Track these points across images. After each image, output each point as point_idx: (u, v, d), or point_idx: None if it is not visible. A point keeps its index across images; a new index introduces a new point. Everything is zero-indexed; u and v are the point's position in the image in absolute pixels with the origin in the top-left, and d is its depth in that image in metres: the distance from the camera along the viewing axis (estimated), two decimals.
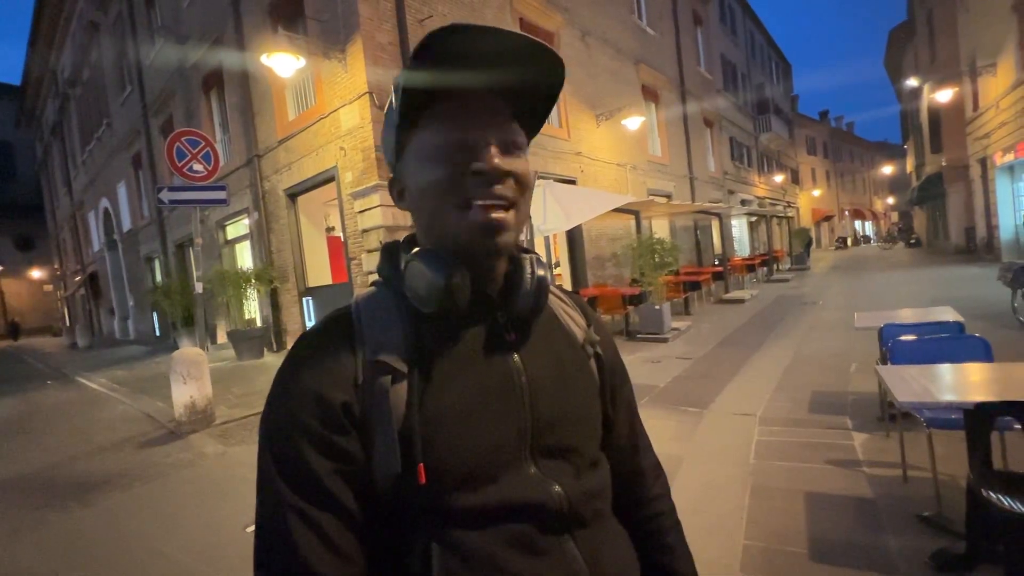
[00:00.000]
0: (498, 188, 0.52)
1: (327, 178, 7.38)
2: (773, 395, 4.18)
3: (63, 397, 7.65)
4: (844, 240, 35.46)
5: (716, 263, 14.52)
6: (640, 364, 5.65)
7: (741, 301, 10.17)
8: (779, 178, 26.55)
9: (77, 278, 21.15)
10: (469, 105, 0.53)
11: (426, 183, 0.53)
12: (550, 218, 6.24)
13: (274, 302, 8.74)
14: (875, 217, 49.23)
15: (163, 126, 11.66)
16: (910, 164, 26.16)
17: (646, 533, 0.68)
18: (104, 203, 16.33)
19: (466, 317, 0.55)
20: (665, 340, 6.82)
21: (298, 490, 0.48)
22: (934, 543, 1.97)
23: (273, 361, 8.01)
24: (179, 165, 4.87)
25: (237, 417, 4.86)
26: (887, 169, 41.00)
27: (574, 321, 0.67)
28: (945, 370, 2.00)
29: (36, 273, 32.11)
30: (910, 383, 1.92)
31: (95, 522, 3.08)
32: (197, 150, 5.00)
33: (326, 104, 7.12)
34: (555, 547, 0.53)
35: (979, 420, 1.53)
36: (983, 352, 2.35)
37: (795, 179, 32.31)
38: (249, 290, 8.53)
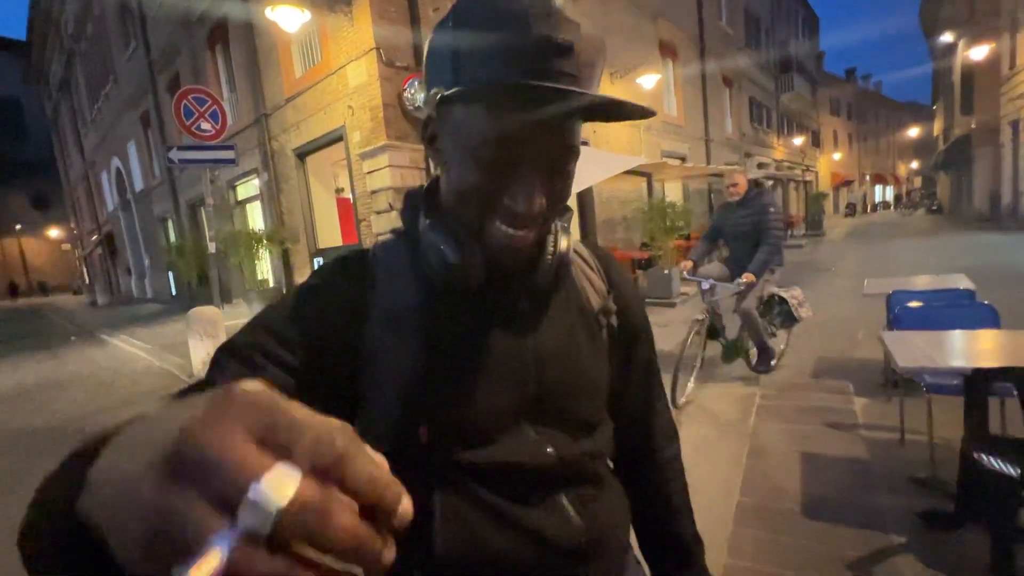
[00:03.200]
0: (529, 223, 0.50)
1: (335, 138, 7.30)
2: (778, 359, 4.21)
3: (87, 353, 7.94)
4: (853, 207, 33.33)
5: None
6: None
7: None
8: (799, 140, 25.70)
9: (94, 237, 21.50)
10: (543, 123, 0.47)
11: (461, 171, 0.50)
12: None
13: (285, 263, 8.85)
14: (898, 182, 47.79)
15: (169, 84, 11.50)
16: (938, 127, 25.14)
17: (654, 494, 0.70)
18: (116, 163, 16.37)
19: (481, 284, 0.54)
20: (673, 304, 6.84)
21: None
22: (925, 503, 2.03)
23: None
24: (187, 124, 4.86)
25: None
26: (913, 132, 39.40)
27: (592, 286, 0.65)
28: (949, 336, 2.01)
29: (54, 232, 32.75)
30: (912, 349, 1.94)
31: None
32: (204, 108, 4.97)
33: (332, 61, 6.96)
34: (548, 501, 0.55)
35: (977, 385, 1.55)
36: (991, 319, 2.34)
37: (815, 141, 31.25)
38: (261, 251, 8.63)
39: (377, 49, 6.25)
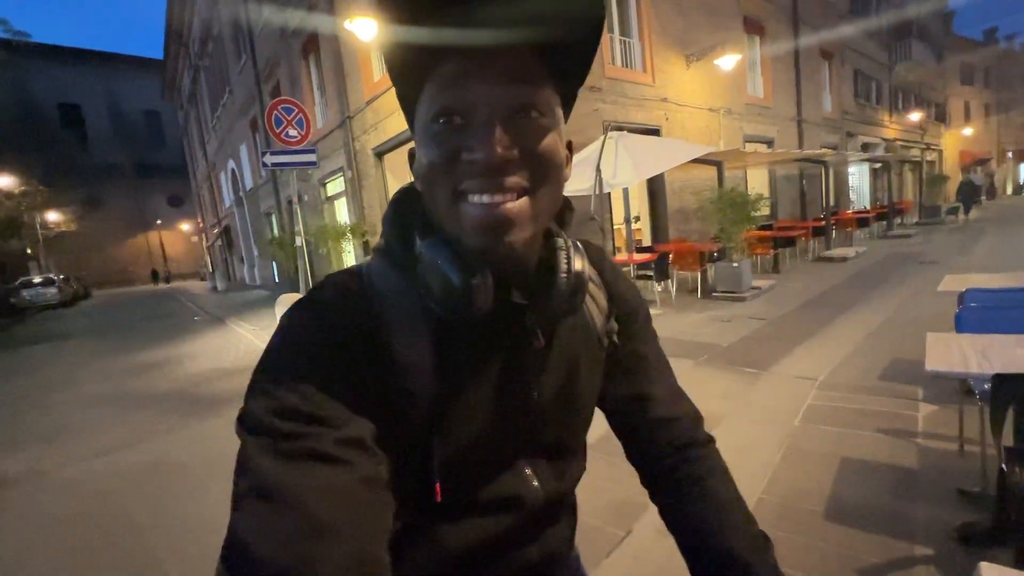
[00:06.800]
0: (501, 179, 0.42)
1: (408, 137, 7.74)
2: (845, 360, 3.94)
3: (206, 331, 9.23)
4: (978, 190, 26.94)
5: (822, 216, 13.15)
6: (707, 323, 5.51)
7: (843, 259, 9.24)
8: (916, 116, 22.69)
9: (215, 230, 24.55)
10: (477, 61, 0.41)
11: (422, 163, 0.45)
12: (620, 172, 6.09)
13: (366, 254, 9.59)
14: None
15: (272, 91, 12.80)
16: None
17: (681, 481, 0.58)
18: (231, 164, 18.52)
19: (491, 316, 0.46)
20: (742, 299, 6.52)
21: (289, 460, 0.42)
22: (967, 517, 1.90)
23: None
24: (277, 131, 5.48)
25: None
26: None
27: (596, 304, 0.59)
28: (993, 340, 1.84)
29: (185, 226, 38.02)
30: (952, 351, 1.82)
31: (224, 429, 3.86)
32: (292, 116, 5.57)
33: None
34: (523, 529, 0.56)
35: (1000, 392, 1.45)
36: None
37: (940, 116, 27.36)
38: (345, 243, 9.44)
39: None
